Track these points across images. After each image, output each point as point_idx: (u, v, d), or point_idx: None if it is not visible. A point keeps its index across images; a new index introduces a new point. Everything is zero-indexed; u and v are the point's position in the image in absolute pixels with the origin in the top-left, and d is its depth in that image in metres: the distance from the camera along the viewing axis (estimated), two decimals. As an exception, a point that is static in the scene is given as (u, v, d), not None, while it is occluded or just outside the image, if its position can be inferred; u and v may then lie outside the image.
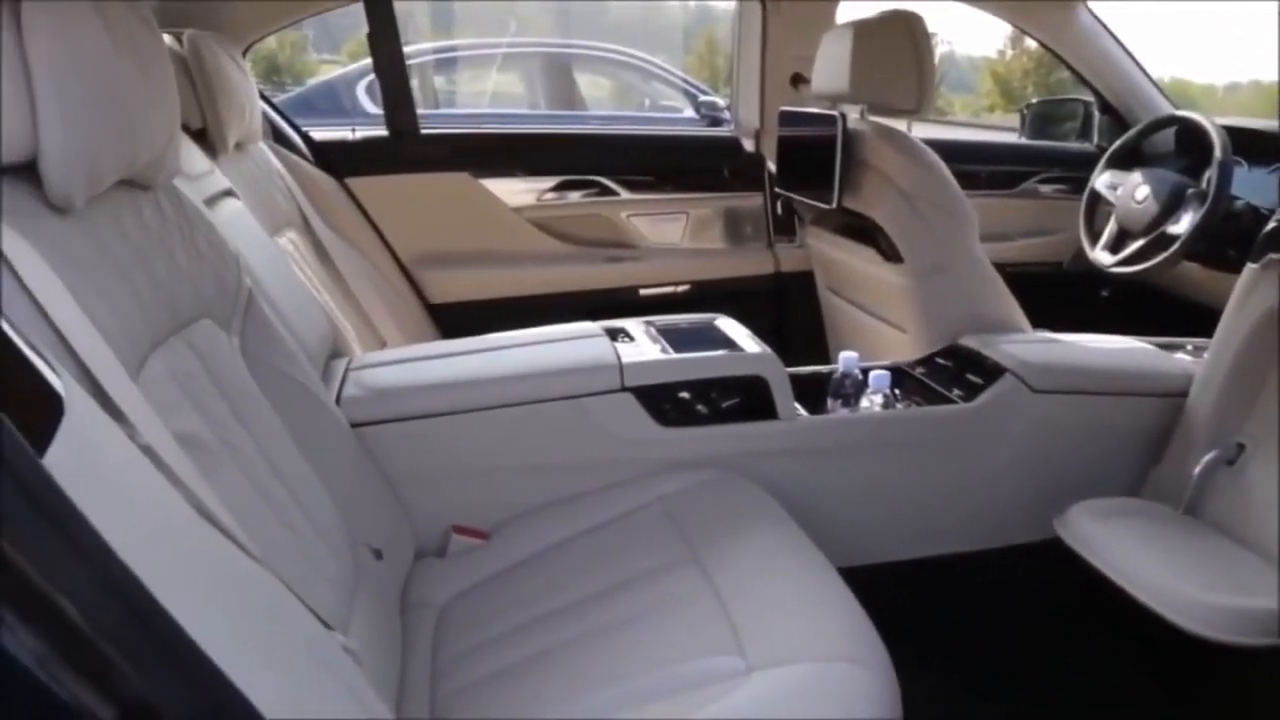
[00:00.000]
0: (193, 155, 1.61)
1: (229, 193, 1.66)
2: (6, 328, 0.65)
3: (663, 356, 1.60)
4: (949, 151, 2.11)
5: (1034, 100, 3.39)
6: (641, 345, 1.64)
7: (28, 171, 0.84)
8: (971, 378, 1.79)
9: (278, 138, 2.36)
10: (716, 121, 5.12)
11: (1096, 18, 2.76)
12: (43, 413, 0.62)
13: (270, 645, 0.69)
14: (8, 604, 0.50)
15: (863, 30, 1.99)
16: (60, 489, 0.55)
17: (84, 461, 0.63)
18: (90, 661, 0.51)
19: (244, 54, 2.18)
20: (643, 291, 2.63)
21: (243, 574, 0.78)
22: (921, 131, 2.33)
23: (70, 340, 0.75)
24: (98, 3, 0.89)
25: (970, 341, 1.90)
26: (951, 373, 1.85)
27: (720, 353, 1.63)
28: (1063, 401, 1.74)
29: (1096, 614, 1.60)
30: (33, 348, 0.65)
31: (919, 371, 1.90)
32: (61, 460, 0.58)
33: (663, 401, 1.55)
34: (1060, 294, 2.65)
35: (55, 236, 0.84)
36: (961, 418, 1.72)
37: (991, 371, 1.77)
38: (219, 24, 2.04)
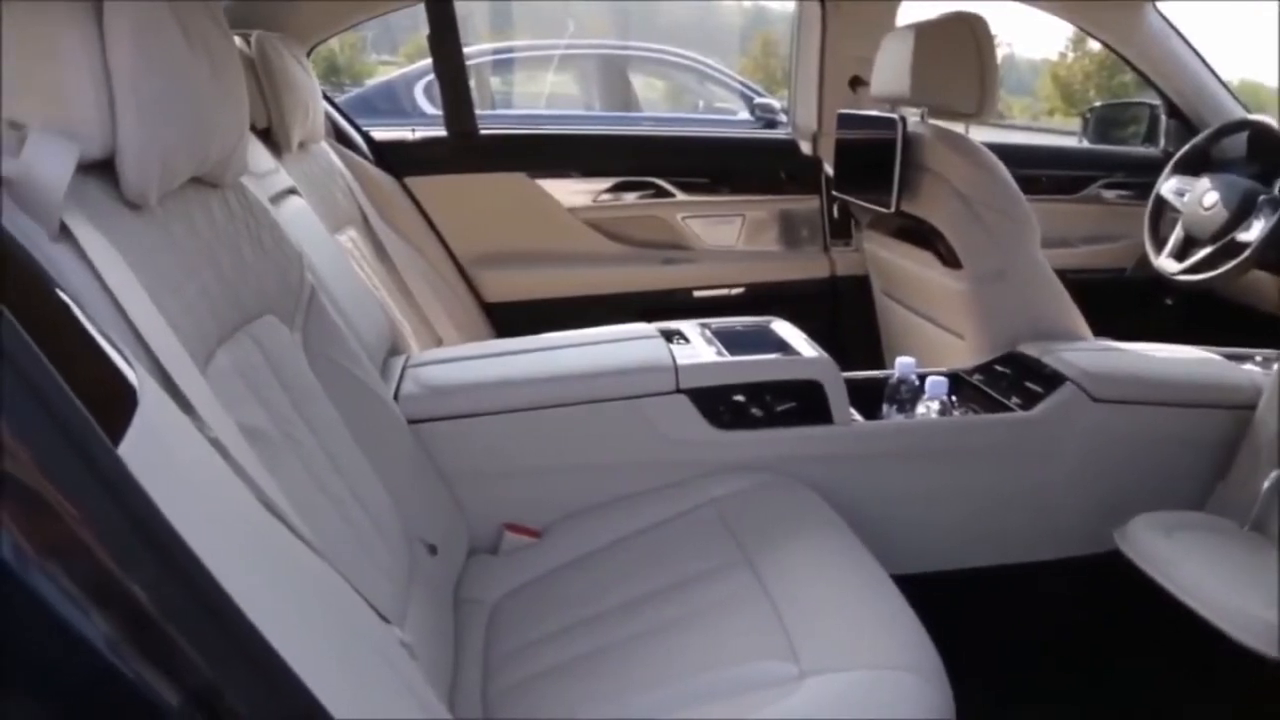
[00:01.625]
0: (258, 154, 1.64)
1: (292, 191, 1.69)
2: (84, 321, 0.67)
3: (718, 359, 1.60)
4: (1010, 155, 2.08)
5: (1097, 104, 3.33)
6: (697, 347, 1.64)
7: (105, 169, 0.86)
8: (1031, 386, 1.76)
9: (339, 137, 2.40)
10: (771, 124, 5.09)
11: (1165, 18, 2.70)
12: (118, 404, 0.64)
13: (330, 637, 0.71)
14: (83, 588, 0.51)
15: (924, 32, 1.97)
16: (134, 479, 0.57)
17: (156, 452, 0.64)
18: (158, 647, 0.52)
19: (307, 55, 2.22)
20: (697, 293, 2.63)
21: (305, 566, 0.79)
22: (979, 135, 2.30)
23: (143, 334, 0.77)
24: (174, 3, 0.91)
25: (1030, 349, 1.87)
26: (1010, 380, 1.82)
27: (776, 356, 1.63)
28: (1124, 412, 1.71)
29: (1156, 629, 1.56)
30: (109, 340, 0.67)
31: (977, 378, 1.87)
32: (135, 451, 0.59)
33: (717, 404, 1.55)
34: (1123, 302, 2.60)
35: (130, 232, 0.86)
36: (1020, 426, 1.69)
37: (1051, 380, 1.74)
38: (284, 25, 2.08)
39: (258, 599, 0.59)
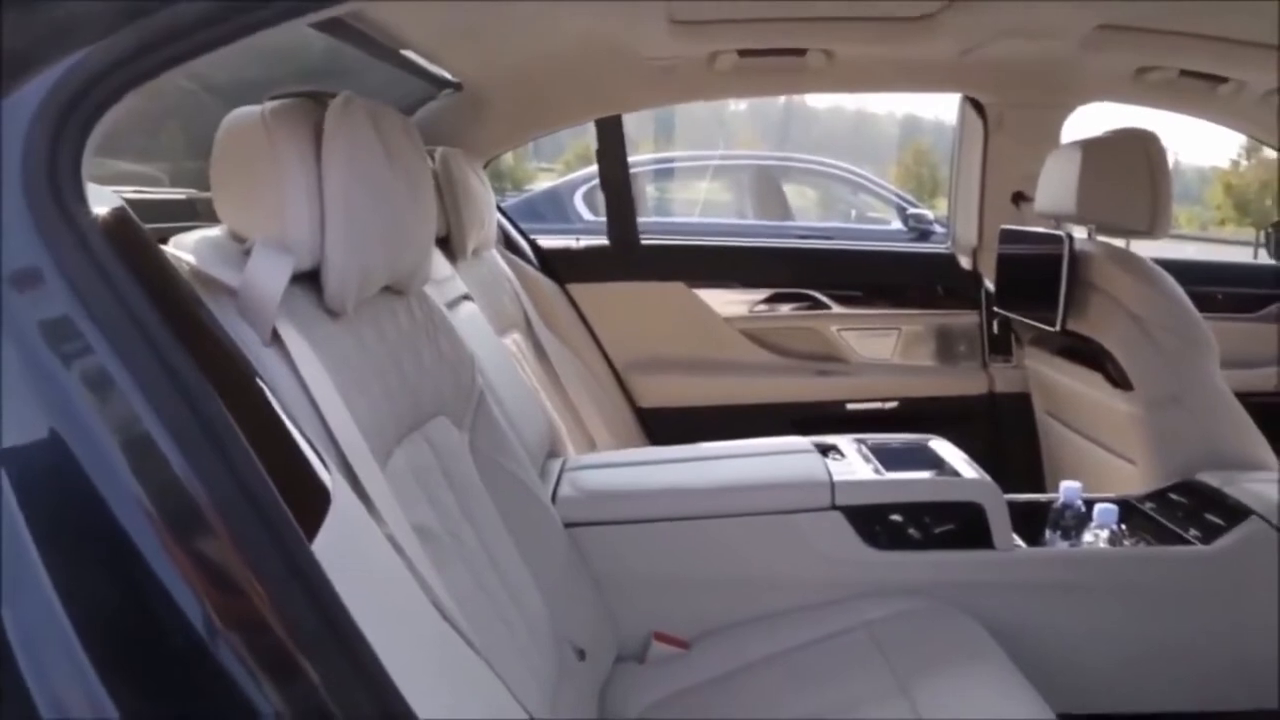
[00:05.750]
0: (438, 261, 1.74)
1: (466, 296, 1.78)
2: (288, 423, 0.72)
3: (875, 476, 1.57)
4: (1184, 272, 2.00)
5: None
6: (853, 463, 1.62)
7: (308, 278, 0.93)
8: (1211, 518, 1.65)
9: (508, 244, 2.52)
10: (925, 234, 5.04)
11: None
12: (313, 503, 0.68)
13: None
14: (262, 665, 0.55)
15: (1093, 149, 1.94)
16: (325, 575, 0.61)
17: (345, 551, 0.68)
18: None
19: (484, 167, 2.35)
20: (850, 406, 2.60)
21: (465, 664, 0.82)
22: (1145, 248, 2.22)
23: (336, 435, 0.83)
24: (379, 124, 0.98)
25: (1210, 478, 1.76)
26: (1187, 511, 1.71)
27: (935, 476, 1.59)
28: None
29: None
30: (310, 444, 0.72)
31: (1149, 507, 1.77)
32: (327, 549, 0.63)
33: (873, 523, 1.52)
34: None
35: (328, 338, 0.93)
36: (1200, 562, 1.58)
37: (1235, 512, 1.63)
38: (466, 141, 2.21)
39: (422, 692, 0.62)
